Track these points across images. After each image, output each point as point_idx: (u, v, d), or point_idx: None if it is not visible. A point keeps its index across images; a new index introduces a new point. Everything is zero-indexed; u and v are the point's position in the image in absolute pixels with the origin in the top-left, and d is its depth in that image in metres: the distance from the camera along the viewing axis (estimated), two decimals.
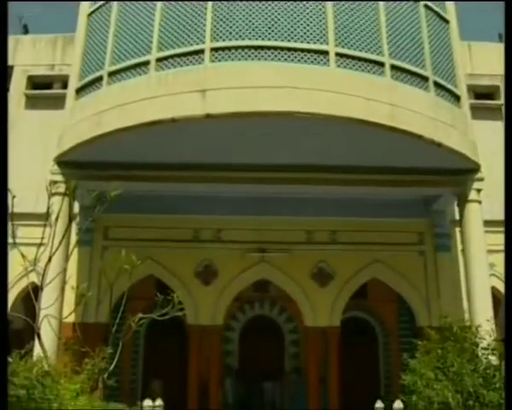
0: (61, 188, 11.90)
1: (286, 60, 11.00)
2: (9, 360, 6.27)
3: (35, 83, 16.96)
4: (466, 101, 13.08)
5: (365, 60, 11.35)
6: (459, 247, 15.70)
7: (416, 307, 16.35)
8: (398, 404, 11.59)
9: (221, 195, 15.50)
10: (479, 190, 13.20)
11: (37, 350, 7.85)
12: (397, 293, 17.17)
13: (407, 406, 9.29)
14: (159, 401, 12.68)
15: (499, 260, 13.35)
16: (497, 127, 15.83)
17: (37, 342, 7.60)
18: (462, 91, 12.96)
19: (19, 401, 5.37)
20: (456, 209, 14.18)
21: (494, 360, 8.69)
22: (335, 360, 16.29)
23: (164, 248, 16.03)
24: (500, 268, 14.43)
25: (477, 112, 14.98)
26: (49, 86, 16.80)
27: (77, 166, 12.73)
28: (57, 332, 10.27)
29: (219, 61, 11.11)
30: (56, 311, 10.28)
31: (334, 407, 15.95)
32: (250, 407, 16.37)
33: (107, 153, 12.57)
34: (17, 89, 16.65)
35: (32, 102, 16.69)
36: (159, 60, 11.49)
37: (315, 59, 11.07)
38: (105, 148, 12.16)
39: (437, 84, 12.24)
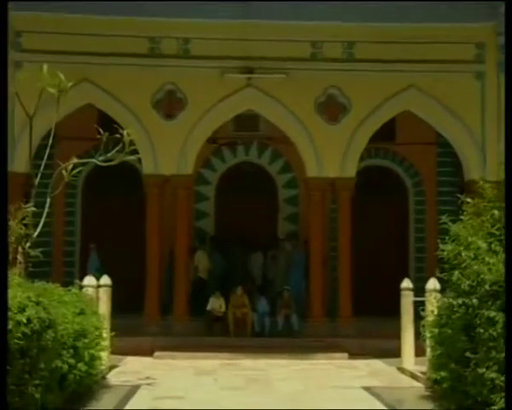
0: None
1: None
2: None
3: None
4: None
5: None
6: None
7: (465, 152, 16.34)
8: (433, 283, 11.89)
9: None
10: None
11: None
12: (437, 133, 17.11)
13: (447, 285, 9.49)
14: (105, 279, 12.92)
15: None
16: None
17: None
18: None
19: None
20: None
21: None
22: (347, 223, 16.53)
23: (107, 66, 15.64)
24: None
25: None
26: None
27: None
28: None
29: None
30: None
31: (344, 286, 16.41)
32: (232, 285, 16.85)
33: None
34: None
35: None
36: None
37: None
38: None
39: None
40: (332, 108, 16.26)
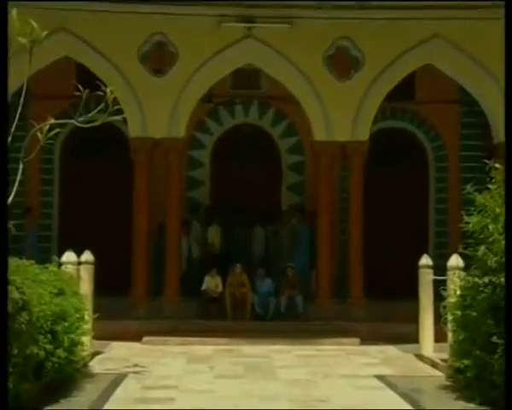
0: None
1: None
2: None
3: None
4: None
5: None
6: None
7: (494, 111, 16.16)
8: (455, 259, 11.88)
9: None
10: None
11: None
12: (463, 90, 17.03)
13: (471, 262, 9.47)
14: (87, 255, 12.92)
15: None
16: None
17: None
18: None
19: None
20: None
21: None
22: (359, 192, 16.48)
23: (87, 14, 15.46)
24: None
25: None
26: None
27: None
28: None
29: None
30: None
31: (355, 264, 16.39)
32: (230, 262, 16.89)
33: None
34: None
35: None
36: None
37: None
38: None
39: None
40: (343, 63, 16.17)
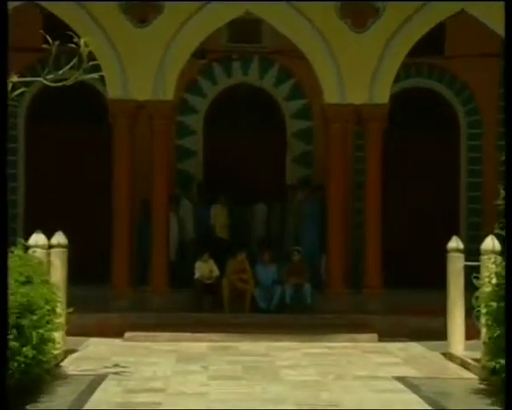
0: None
1: None
2: None
3: None
4: None
5: None
6: None
7: None
8: (491, 242, 11.87)
9: None
10: None
11: None
12: (502, 41, 16.97)
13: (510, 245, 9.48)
14: (59, 237, 12.92)
15: None
16: None
17: None
18: None
19: None
20: None
21: None
22: (377, 164, 16.47)
23: None
24: None
25: None
26: None
27: None
28: None
29: None
30: None
31: (373, 248, 16.38)
32: (232, 248, 16.99)
33: None
34: None
35: None
36: None
37: None
38: None
39: None
40: (359, 11, 16.13)
